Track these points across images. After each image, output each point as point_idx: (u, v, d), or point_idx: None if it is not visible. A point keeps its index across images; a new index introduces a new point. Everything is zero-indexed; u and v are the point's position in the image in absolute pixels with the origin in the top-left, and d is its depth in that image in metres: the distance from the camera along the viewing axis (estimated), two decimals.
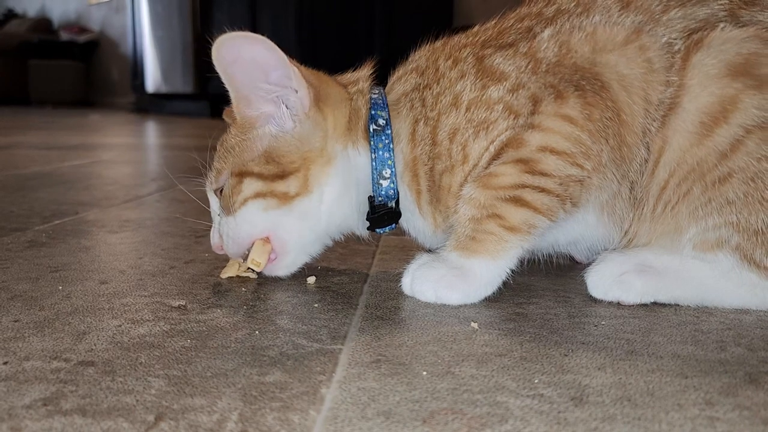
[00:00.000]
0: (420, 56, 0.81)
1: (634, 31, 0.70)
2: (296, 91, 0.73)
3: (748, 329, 0.64)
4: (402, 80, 0.80)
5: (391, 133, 0.76)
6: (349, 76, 0.82)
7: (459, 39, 0.79)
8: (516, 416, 0.46)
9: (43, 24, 7.64)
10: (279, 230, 0.76)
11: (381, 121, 0.76)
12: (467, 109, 0.72)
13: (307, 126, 0.75)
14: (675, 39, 0.69)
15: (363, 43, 4.20)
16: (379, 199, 0.77)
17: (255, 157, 0.75)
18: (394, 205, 0.77)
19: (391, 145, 0.76)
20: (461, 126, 0.73)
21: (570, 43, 0.71)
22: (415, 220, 0.79)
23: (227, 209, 0.77)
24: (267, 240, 0.77)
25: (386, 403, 0.48)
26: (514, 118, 0.70)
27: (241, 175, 0.75)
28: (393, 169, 0.76)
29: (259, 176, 0.74)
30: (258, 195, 0.74)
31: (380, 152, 0.76)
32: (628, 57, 0.70)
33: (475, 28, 0.80)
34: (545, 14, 0.75)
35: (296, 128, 0.75)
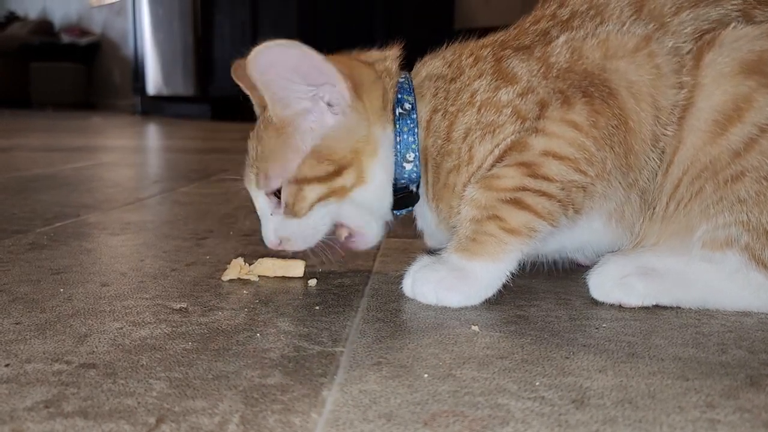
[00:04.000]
0: (445, 50, 0.82)
1: (643, 38, 0.70)
2: (334, 86, 0.73)
3: (749, 332, 0.64)
4: (427, 65, 0.81)
5: (417, 117, 0.77)
6: (375, 54, 0.82)
7: (483, 39, 0.80)
8: (517, 418, 0.46)
9: (44, 26, 7.65)
10: (346, 219, 0.79)
11: (407, 106, 0.77)
12: (479, 110, 0.73)
13: (352, 117, 0.75)
14: (683, 43, 0.70)
15: (364, 46, 4.21)
16: (402, 181, 0.78)
17: (303, 159, 0.75)
18: (414, 188, 0.79)
19: (416, 129, 0.77)
20: (472, 126, 0.73)
21: (582, 50, 0.72)
22: (424, 208, 0.81)
23: (292, 214, 0.76)
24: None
25: (387, 405, 0.48)
26: (521, 122, 0.71)
27: (299, 182, 0.75)
28: (417, 153, 0.77)
29: (317, 180, 0.75)
30: (321, 198, 0.76)
31: (405, 135, 0.77)
32: (638, 64, 0.70)
33: (496, 33, 0.81)
34: (560, 16, 0.76)
35: (341, 121, 0.74)
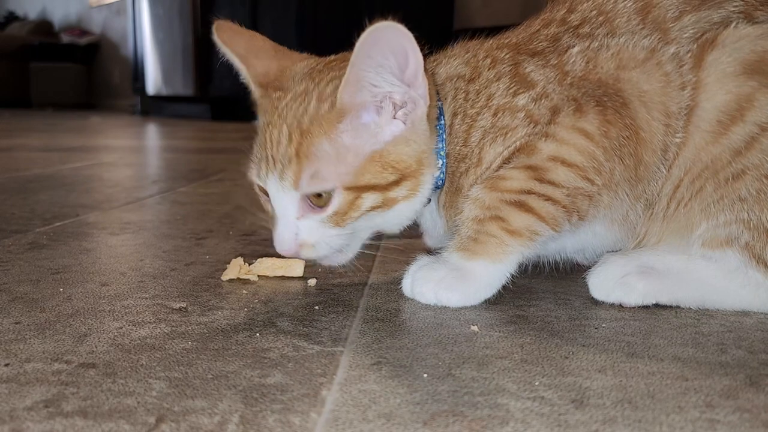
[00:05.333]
0: (458, 48, 0.79)
1: (650, 50, 0.71)
2: (418, 91, 0.68)
3: (749, 332, 0.64)
4: (444, 64, 0.78)
5: (444, 123, 0.74)
6: None
7: (495, 40, 0.78)
8: (517, 418, 0.46)
9: (44, 27, 7.65)
10: (360, 231, 0.74)
11: (436, 111, 0.74)
12: (495, 114, 0.72)
13: (423, 126, 0.70)
14: (683, 46, 0.70)
15: None
16: None
17: (363, 164, 0.68)
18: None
19: (444, 135, 0.74)
20: (487, 129, 0.72)
21: (597, 60, 0.72)
22: (434, 213, 0.80)
23: (337, 223, 0.70)
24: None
25: (387, 405, 0.48)
26: (533, 126, 0.71)
27: (360, 189, 0.69)
28: (444, 160, 0.74)
29: (377, 188, 0.69)
30: (374, 208, 0.70)
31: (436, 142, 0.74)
32: (648, 73, 0.70)
33: (506, 33, 0.79)
34: (570, 22, 0.75)
35: (410, 129, 0.70)
